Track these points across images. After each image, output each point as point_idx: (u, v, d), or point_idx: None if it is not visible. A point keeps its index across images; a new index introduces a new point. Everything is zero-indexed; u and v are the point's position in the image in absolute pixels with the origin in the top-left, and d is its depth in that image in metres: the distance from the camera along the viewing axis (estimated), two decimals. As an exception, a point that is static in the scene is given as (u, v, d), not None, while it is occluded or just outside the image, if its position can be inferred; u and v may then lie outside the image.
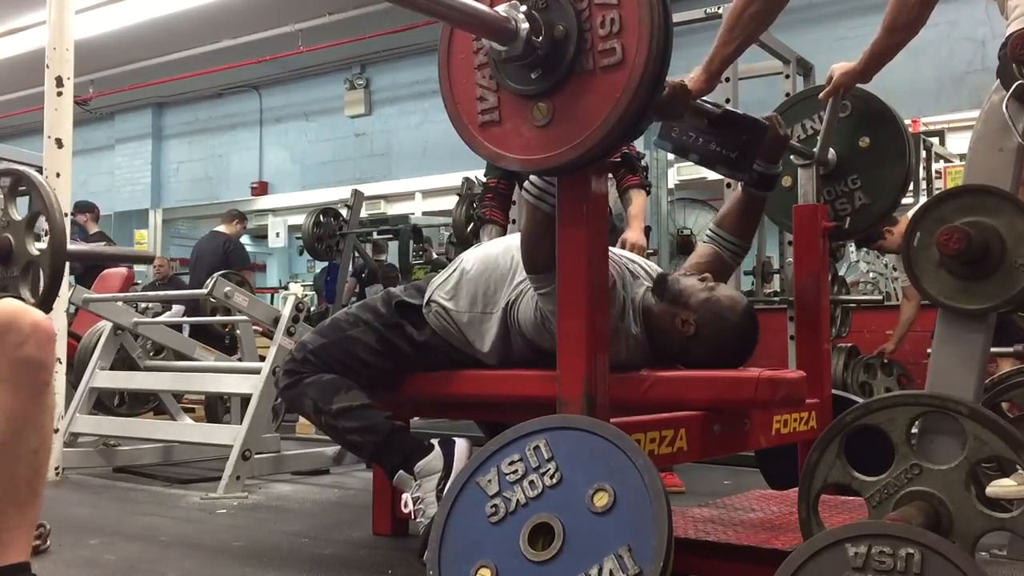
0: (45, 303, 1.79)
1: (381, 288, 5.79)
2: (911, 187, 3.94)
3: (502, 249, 2.34)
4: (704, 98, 2.18)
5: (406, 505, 2.22)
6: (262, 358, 4.00)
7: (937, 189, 6.33)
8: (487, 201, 3.74)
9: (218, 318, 5.86)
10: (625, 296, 2.17)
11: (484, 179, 3.87)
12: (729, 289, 2.30)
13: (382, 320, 2.34)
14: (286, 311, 3.68)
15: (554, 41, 1.72)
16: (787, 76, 4.67)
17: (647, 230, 4.23)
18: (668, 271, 2.34)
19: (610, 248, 2.39)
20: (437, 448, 2.23)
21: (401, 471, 2.24)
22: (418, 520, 2.21)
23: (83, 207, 7.09)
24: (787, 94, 4.38)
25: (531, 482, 1.57)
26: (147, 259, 2.93)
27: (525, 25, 1.70)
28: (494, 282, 2.28)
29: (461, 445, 2.21)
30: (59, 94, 3.67)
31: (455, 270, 2.36)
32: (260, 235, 13.66)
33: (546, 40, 1.71)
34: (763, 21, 2.06)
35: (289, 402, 2.41)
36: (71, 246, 2.13)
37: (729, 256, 2.44)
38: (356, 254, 6.54)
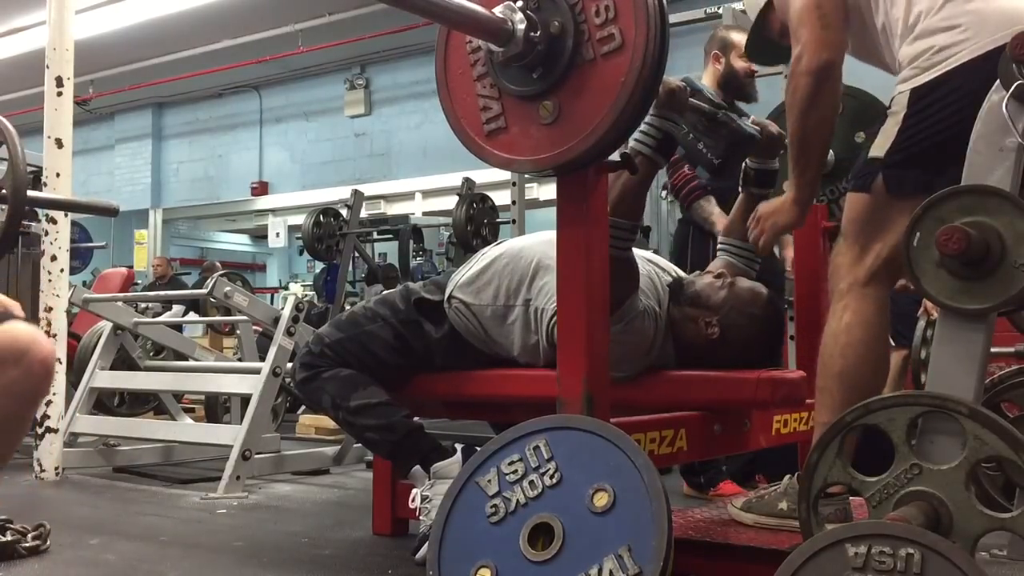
0: (6, 239, 1.83)
1: (382, 289, 5.79)
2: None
3: (527, 243, 2.31)
4: (708, 96, 2.16)
5: (414, 500, 2.22)
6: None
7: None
8: (691, 175, 3.30)
9: (218, 318, 5.87)
10: (658, 311, 2.16)
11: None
12: (747, 282, 2.27)
13: (399, 316, 2.32)
14: (286, 311, 3.68)
15: (551, 37, 1.72)
16: (787, 76, 4.66)
17: (647, 230, 4.20)
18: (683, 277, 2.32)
19: (642, 254, 2.38)
20: (458, 454, 2.21)
21: (417, 466, 2.24)
22: (421, 518, 2.21)
23: None
24: (787, 94, 4.37)
25: (531, 482, 1.57)
26: (110, 211, 2.95)
27: (522, 25, 1.70)
28: (519, 274, 2.24)
29: None
30: (59, 94, 3.67)
31: (477, 264, 2.32)
32: (260, 235, 13.67)
33: (543, 37, 1.72)
34: (829, 124, 1.95)
35: (306, 395, 2.40)
36: (32, 192, 2.19)
37: (743, 263, 2.40)
38: (356, 254, 6.54)
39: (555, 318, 2.13)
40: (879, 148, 1.82)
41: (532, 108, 1.78)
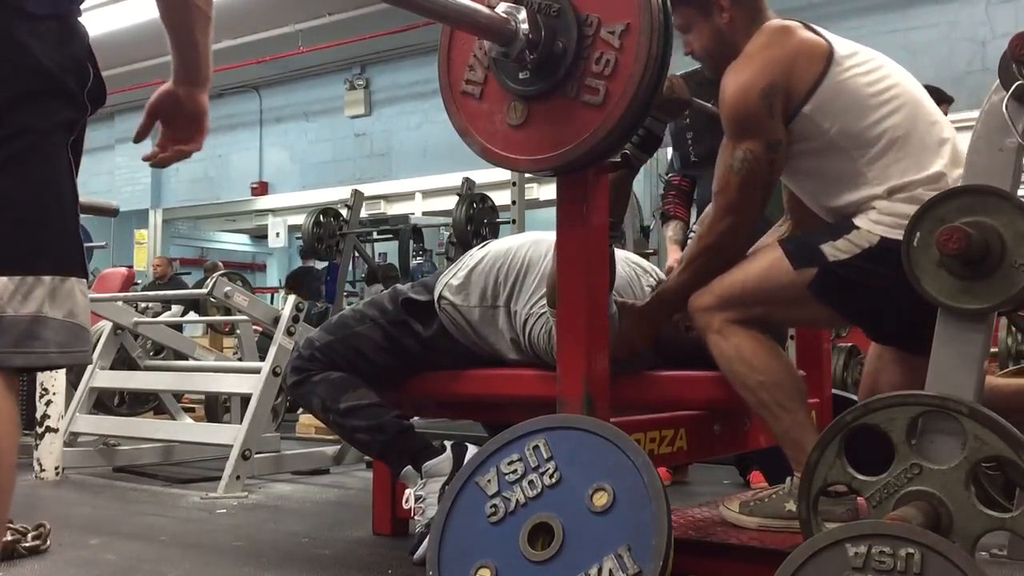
0: None
1: (381, 289, 5.79)
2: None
3: (511, 243, 2.32)
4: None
5: (407, 501, 2.22)
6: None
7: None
8: (670, 198, 3.59)
9: (218, 318, 5.87)
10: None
11: (667, 176, 3.73)
12: None
13: (388, 317, 2.32)
14: (286, 311, 3.68)
15: (551, 54, 1.71)
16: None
17: (646, 230, 4.17)
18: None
19: (623, 256, 2.38)
20: (448, 451, 2.22)
21: (409, 467, 2.24)
22: (416, 519, 2.21)
23: None
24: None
25: (530, 482, 1.57)
26: (110, 211, 2.98)
27: (525, 26, 1.70)
28: (504, 273, 2.24)
29: (473, 452, 2.20)
30: (59, 94, 3.67)
31: (463, 265, 2.33)
32: (260, 235, 13.67)
33: (544, 50, 1.71)
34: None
35: (297, 400, 2.41)
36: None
37: None
38: (356, 254, 6.54)
39: (530, 321, 2.15)
40: (833, 251, 1.84)
41: (506, 100, 1.78)
